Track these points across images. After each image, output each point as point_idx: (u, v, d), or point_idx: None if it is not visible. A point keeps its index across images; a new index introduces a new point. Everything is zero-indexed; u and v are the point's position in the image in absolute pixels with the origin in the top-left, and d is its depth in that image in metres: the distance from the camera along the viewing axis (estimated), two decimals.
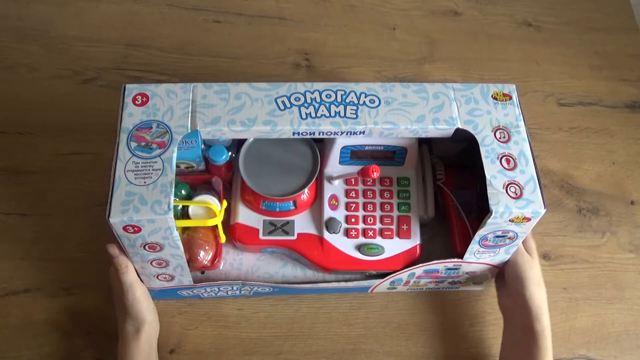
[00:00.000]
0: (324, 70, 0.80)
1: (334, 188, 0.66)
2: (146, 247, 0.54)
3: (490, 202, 0.54)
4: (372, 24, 0.85)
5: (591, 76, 0.86)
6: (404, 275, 0.65)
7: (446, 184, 0.67)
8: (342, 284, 0.65)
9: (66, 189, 0.73)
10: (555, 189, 0.79)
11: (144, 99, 0.56)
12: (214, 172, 0.64)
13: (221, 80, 0.80)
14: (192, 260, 0.60)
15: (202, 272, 0.66)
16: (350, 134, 0.57)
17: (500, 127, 0.58)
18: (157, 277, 0.60)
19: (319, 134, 0.57)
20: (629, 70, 0.87)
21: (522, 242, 0.62)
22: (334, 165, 0.66)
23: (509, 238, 0.59)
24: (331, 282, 0.65)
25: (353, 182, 0.67)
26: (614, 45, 0.88)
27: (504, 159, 0.56)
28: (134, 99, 0.56)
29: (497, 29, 0.87)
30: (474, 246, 0.60)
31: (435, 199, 0.67)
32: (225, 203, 0.60)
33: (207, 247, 0.61)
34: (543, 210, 0.55)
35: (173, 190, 0.51)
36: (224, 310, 0.68)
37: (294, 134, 0.56)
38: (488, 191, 0.54)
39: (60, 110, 0.76)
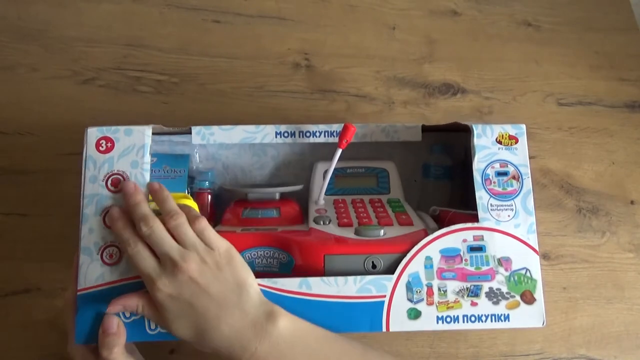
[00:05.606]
0: (323, 70, 0.80)
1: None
2: (109, 181, 0.54)
3: (470, 126, 0.57)
4: (371, 23, 0.85)
5: (591, 76, 0.86)
6: (419, 267, 0.54)
7: (441, 212, 0.64)
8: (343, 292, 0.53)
9: (66, 189, 0.72)
10: (555, 188, 0.79)
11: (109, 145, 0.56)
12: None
13: (221, 80, 0.80)
14: None
15: None
16: (328, 135, 0.61)
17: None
18: (102, 254, 0.53)
19: (299, 134, 0.61)
20: (629, 70, 0.87)
21: None
22: (318, 192, 0.66)
23: (513, 177, 0.55)
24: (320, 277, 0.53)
25: (342, 205, 0.65)
26: (614, 45, 0.88)
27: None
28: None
29: (497, 29, 0.87)
30: (481, 194, 0.55)
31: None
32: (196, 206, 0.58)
33: None
34: (524, 126, 0.57)
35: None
36: None
37: (276, 134, 0.60)
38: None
39: (60, 110, 0.76)
